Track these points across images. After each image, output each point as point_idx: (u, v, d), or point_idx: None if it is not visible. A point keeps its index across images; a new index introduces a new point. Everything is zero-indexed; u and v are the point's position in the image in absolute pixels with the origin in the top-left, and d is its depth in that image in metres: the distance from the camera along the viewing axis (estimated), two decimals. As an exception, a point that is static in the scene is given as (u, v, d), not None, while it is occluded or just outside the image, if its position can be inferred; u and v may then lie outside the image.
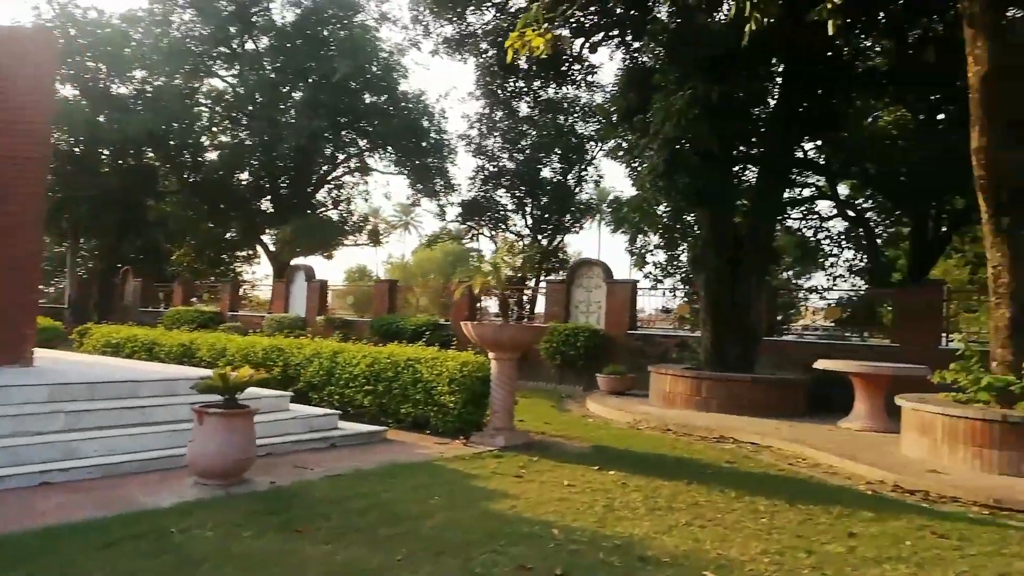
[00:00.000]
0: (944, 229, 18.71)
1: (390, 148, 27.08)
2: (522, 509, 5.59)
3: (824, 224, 22.19)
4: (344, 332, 17.80)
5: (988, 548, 5.12)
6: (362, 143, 28.10)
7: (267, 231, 28.56)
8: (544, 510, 5.60)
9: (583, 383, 15.11)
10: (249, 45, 27.65)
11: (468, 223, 27.51)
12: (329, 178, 29.67)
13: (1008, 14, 13.44)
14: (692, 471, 7.35)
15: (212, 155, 28.04)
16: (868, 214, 21.54)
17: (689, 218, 18.18)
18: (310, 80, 25.52)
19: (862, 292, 18.41)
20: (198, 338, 11.83)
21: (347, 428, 8.14)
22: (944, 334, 12.72)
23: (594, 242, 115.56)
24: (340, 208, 30.11)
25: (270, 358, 10.11)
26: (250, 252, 32.16)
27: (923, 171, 16.29)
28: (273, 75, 26.86)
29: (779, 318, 15.38)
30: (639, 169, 13.33)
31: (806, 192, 21.64)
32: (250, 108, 27.20)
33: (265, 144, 26.25)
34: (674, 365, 13.34)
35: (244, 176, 28.65)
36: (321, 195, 29.83)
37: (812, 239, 22.28)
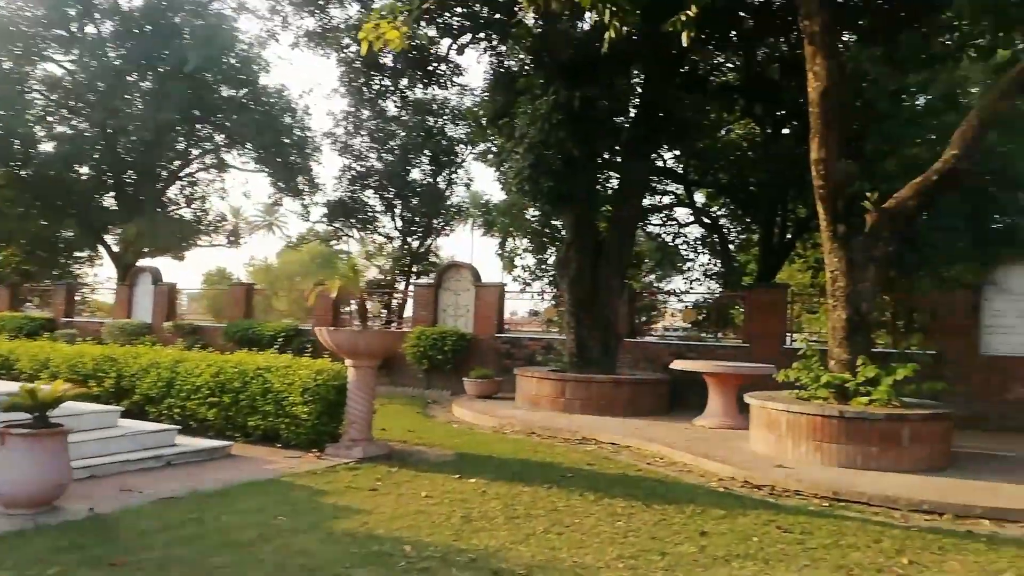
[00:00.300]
0: (789, 236, 19.99)
1: (249, 144, 25.70)
2: (374, 526, 5.27)
3: (682, 230, 23.22)
4: (194, 339, 16.63)
5: (827, 541, 5.33)
6: (218, 138, 26.49)
7: (111, 230, 26.31)
8: (398, 525, 5.31)
9: (451, 387, 14.89)
10: (90, 29, 25.39)
11: (334, 224, 26.60)
12: (181, 174, 27.76)
13: (844, 38, 14.61)
14: (553, 475, 7.28)
15: (47, 146, 25.49)
16: (722, 221, 22.74)
17: (557, 222, 18.40)
18: (159, 69, 23.77)
19: (716, 295, 19.40)
20: (18, 348, 10.56)
21: (186, 444, 7.47)
22: (788, 334, 13.52)
23: (467, 245, 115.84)
24: (194, 206, 28.25)
25: (101, 369, 9.16)
26: (91, 253, 29.55)
27: (770, 181, 17.37)
28: (118, 62, 24.81)
29: (642, 320, 15.84)
30: (507, 173, 13.28)
31: (666, 199, 22.55)
32: (91, 97, 24.96)
33: (108, 136, 24.21)
34: (540, 367, 13.38)
35: (84, 170, 26.25)
36: (172, 192, 27.87)
37: (671, 244, 23.22)
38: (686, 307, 15.37)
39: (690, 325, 16.23)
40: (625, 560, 4.73)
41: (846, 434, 7.89)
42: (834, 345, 8.82)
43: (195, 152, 27.35)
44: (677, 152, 20.22)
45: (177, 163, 27.21)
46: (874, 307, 9.20)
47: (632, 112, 13.53)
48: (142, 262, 24.07)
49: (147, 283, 20.33)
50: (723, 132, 20.75)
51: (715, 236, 22.42)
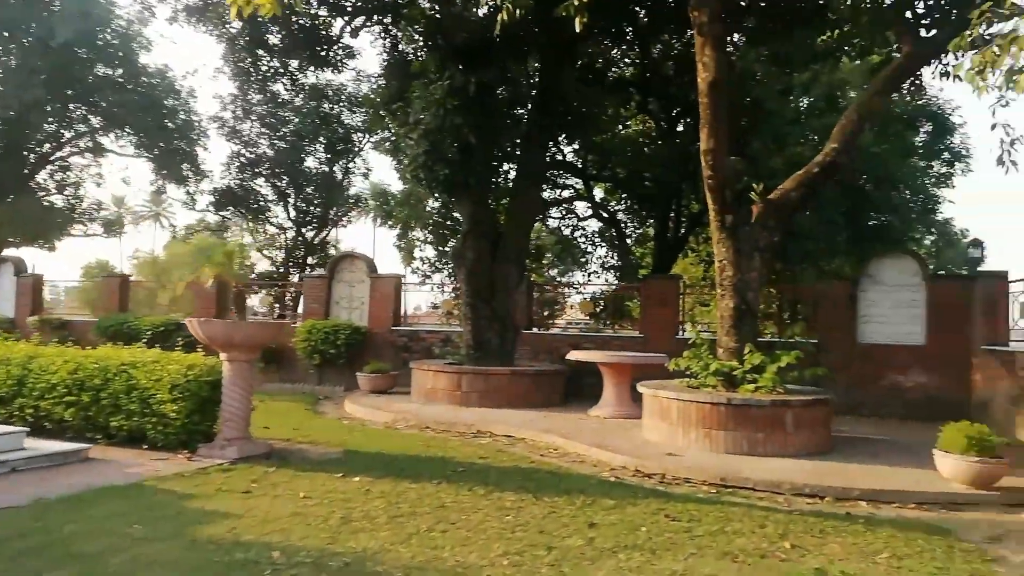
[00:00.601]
0: (683, 231, 20.49)
1: (128, 127, 23.94)
2: (243, 531, 4.86)
3: (581, 223, 23.38)
4: (62, 335, 15.34)
5: (714, 528, 5.32)
6: (94, 120, 24.54)
7: (-31, 217, 23.95)
8: (269, 529, 4.91)
9: (345, 383, 14.36)
10: (-56, -3, 22.99)
11: (221, 213, 25.23)
12: (52, 158, 25.61)
13: (734, 38, 15.02)
14: (444, 470, 7.02)
15: None
16: (619, 215, 23.05)
17: (459, 214, 18.06)
18: (24, 42, 21.79)
19: (613, 287, 19.61)
20: None
21: (37, 448, 6.74)
22: (682, 325, 13.78)
23: (369, 237, 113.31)
24: (66, 193, 26.09)
25: (-60, 367, 8.20)
26: (-53, 242, 26.87)
27: (665, 177, 17.70)
28: (-23, 33, 22.58)
29: (545, 313, 15.78)
30: (402, 160, 12.88)
31: (566, 193, 22.68)
32: (-53, 71, 22.62)
33: (-35, 115, 22.01)
34: (436, 360, 13.08)
35: (-61, 151, 23.77)
36: (42, 177, 25.63)
37: (571, 237, 23.32)
38: (583, 299, 15.42)
39: (588, 317, 16.34)
40: (510, 556, 4.53)
41: (734, 421, 8.02)
42: (722, 334, 8.97)
43: (67, 134, 25.22)
44: (576, 146, 20.34)
45: (47, 146, 25.06)
46: (760, 296, 9.42)
47: (530, 103, 13.42)
48: (6, 252, 22.09)
49: (9, 274, 18.64)
50: (621, 128, 21.05)
51: (613, 230, 22.71)
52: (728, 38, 12.71)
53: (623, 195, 22.04)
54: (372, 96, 18.20)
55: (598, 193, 23.42)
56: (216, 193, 24.85)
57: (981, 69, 6.04)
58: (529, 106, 13.29)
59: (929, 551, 4.91)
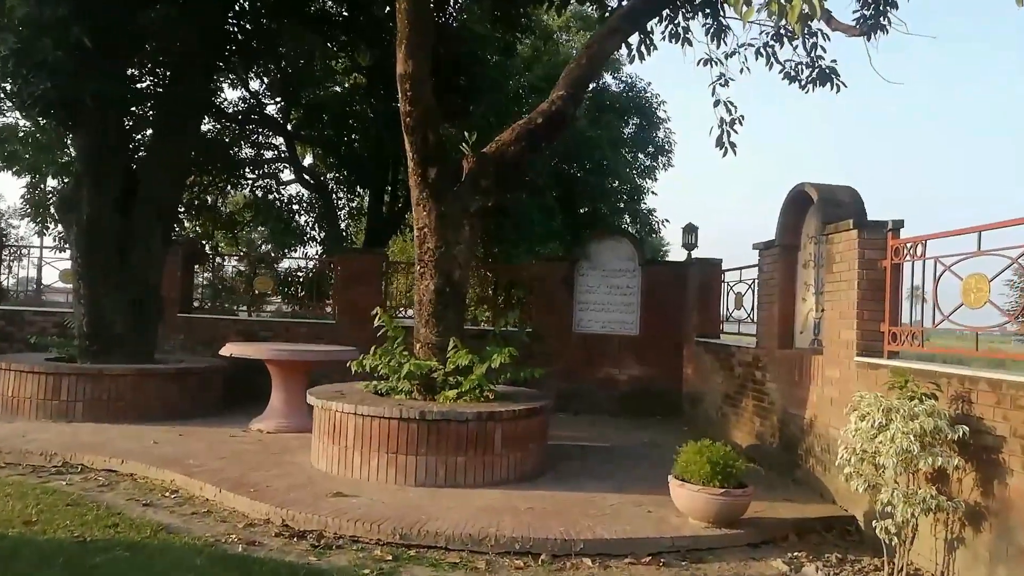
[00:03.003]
0: (399, 206, 18.44)
1: None
2: None
3: (285, 188, 20.11)
4: None
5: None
6: None
7: None
8: None
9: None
10: None
11: None
12: None
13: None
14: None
15: None
16: (330, 185, 20.28)
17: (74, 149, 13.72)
18: None
19: (312, 261, 16.76)
20: None
21: None
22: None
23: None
24: None
25: None
26: None
27: (380, 145, 15.45)
28: None
29: (255, 292, 12.46)
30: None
31: (268, 154, 19.39)
32: None
33: None
34: (29, 355, 9.39)
35: None
36: None
37: (271, 201, 19.88)
38: (259, 275, 12.35)
39: (275, 296, 13.44)
40: None
41: (428, 441, 5.98)
42: (421, 324, 6.91)
43: None
44: (279, 99, 17.43)
45: None
46: (469, 276, 7.54)
47: (191, 12, 10.14)
48: None
49: None
50: (338, 88, 18.42)
51: (320, 198, 19.81)
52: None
53: (334, 162, 19.30)
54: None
55: (308, 161, 20.46)
56: None
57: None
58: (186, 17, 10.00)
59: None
